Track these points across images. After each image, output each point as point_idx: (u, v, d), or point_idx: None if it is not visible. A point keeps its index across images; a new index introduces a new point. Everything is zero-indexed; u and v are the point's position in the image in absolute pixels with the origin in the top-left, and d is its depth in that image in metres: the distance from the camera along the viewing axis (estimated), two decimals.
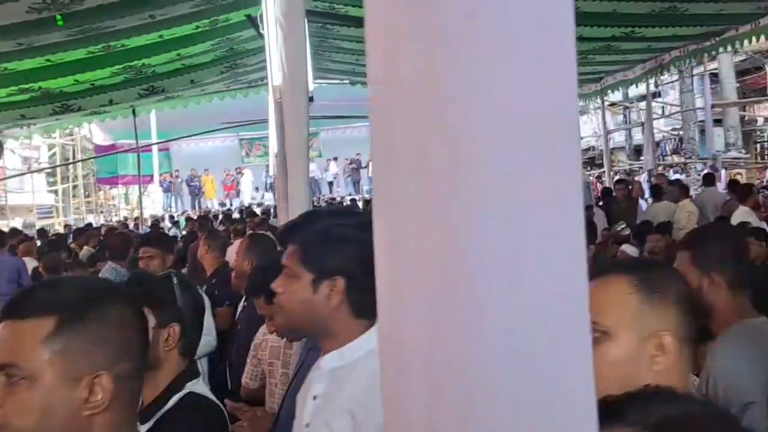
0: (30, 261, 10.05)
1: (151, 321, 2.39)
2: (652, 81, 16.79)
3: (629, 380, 1.27)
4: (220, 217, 19.57)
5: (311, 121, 4.39)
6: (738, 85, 22.85)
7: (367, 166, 28.24)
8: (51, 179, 31.95)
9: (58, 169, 30.68)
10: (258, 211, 18.97)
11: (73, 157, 30.17)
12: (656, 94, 23.89)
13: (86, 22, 7.94)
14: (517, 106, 0.68)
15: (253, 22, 7.89)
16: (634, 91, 21.32)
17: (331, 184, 30.42)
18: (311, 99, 4.26)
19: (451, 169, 0.68)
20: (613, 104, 25.36)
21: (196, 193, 30.30)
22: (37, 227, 21.60)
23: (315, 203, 19.79)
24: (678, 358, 1.64)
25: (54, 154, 31.39)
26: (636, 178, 18.24)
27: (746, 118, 24.80)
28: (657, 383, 1.00)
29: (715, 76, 21.18)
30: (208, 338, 4.42)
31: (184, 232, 15.95)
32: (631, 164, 25.38)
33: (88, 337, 1.38)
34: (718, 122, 20.03)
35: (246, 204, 27.16)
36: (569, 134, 0.71)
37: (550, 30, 0.70)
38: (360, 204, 20.21)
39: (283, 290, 1.88)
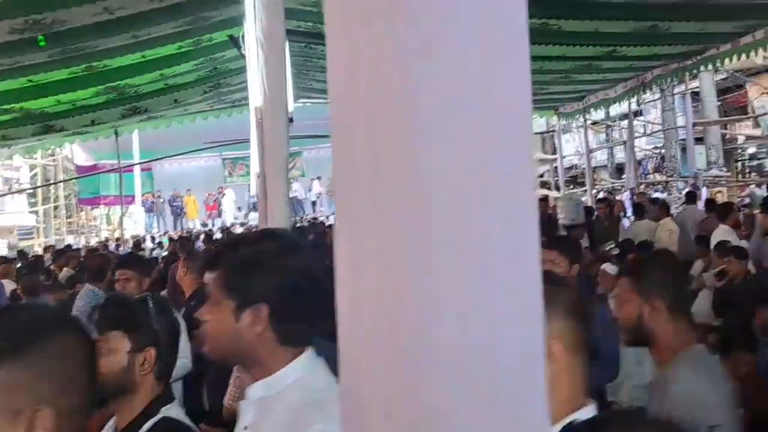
0: (8, 283, 9.94)
1: (127, 345, 2.37)
2: (633, 99, 16.89)
3: None
4: (202, 237, 19.50)
5: (294, 141, 4.38)
6: (719, 103, 23.04)
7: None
8: (32, 200, 31.75)
9: (40, 190, 30.51)
10: (241, 230, 18.88)
11: (55, 178, 30.02)
12: (638, 113, 24.04)
13: (68, 42, 7.93)
14: (476, 128, 0.70)
15: (235, 42, 7.89)
16: (616, 109, 21.45)
17: (314, 203, 30.35)
18: (291, 120, 4.25)
19: (411, 190, 0.69)
20: (595, 123, 25.48)
21: (179, 213, 30.20)
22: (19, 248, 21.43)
23: (298, 223, 19.82)
24: (567, 365, 1.69)
25: (35, 174, 31.21)
26: (618, 197, 18.31)
27: (727, 136, 24.98)
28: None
29: (696, 95, 21.36)
30: (184, 360, 4.38)
31: (165, 253, 15.86)
32: (613, 182, 25.49)
33: (29, 369, 1.34)
34: (699, 140, 20.17)
35: (228, 224, 27.08)
36: (524, 157, 0.73)
37: (506, 55, 0.71)
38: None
39: (207, 318, 1.82)
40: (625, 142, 20.09)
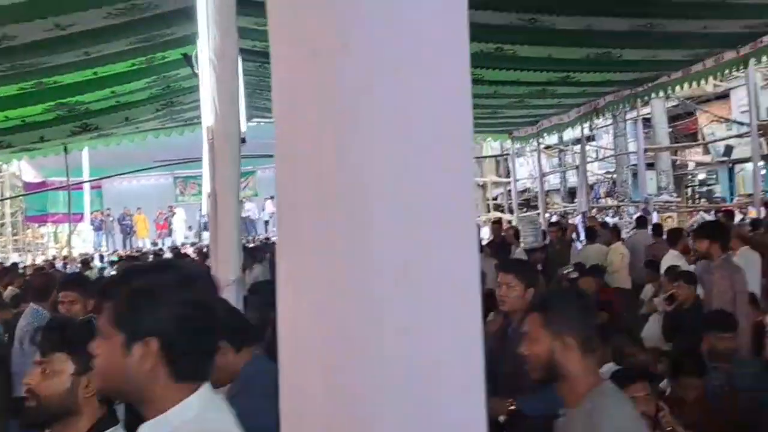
0: None
1: (71, 367, 2.32)
2: (586, 125, 17.08)
3: None
4: (151, 257, 19.22)
5: (248, 160, 4.33)
6: (670, 130, 23.41)
7: None
8: None
9: None
10: (191, 250, 18.68)
11: (1, 195, 29.44)
12: (590, 138, 24.34)
13: (18, 58, 7.78)
14: (417, 154, 0.72)
15: (189, 60, 7.80)
16: (569, 134, 21.70)
17: (267, 223, 30.14)
18: (243, 140, 4.19)
19: (353, 211, 0.71)
20: (548, 147, 25.77)
21: (128, 232, 29.80)
22: None
23: (250, 243, 19.66)
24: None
25: None
26: (570, 221, 18.46)
27: (678, 162, 25.39)
28: None
29: (647, 121, 21.68)
30: None
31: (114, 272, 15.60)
32: (565, 206, 25.72)
33: None
34: (650, 166, 20.46)
35: (179, 243, 26.77)
36: (464, 181, 0.75)
37: (448, 86, 0.73)
38: None
39: (97, 353, 1.73)
40: (577, 167, 20.33)
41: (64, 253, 24.59)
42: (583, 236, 14.63)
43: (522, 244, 12.99)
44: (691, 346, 5.51)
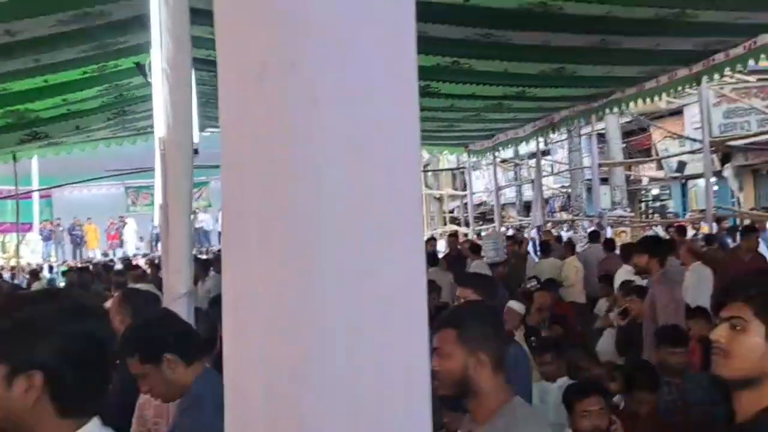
0: None
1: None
2: (542, 139, 17.25)
3: None
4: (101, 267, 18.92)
5: (201, 171, 4.28)
6: (624, 145, 23.71)
7: None
8: None
9: None
10: (143, 261, 18.44)
11: None
12: (546, 152, 24.57)
13: None
14: (363, 171, 0.73)
15: (141, 69, 7.70)
16: (524, 148, 21.87)
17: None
18: (196, 151, 4.12)
19: (300, 223, 0.72)
20: (504, 161, 25.95)
21: (78, 242, 29.34)
22: None
23: (204, 254, 19.47)
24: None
25: None
26: (525, 234, 18.59)
27: (631, 177, 25.72)
28: None
29: (602, 137, 21.92)
30: None
31: (62, 283, 15.34)
32: (521, 220, 25.92)
33: None
34: (604, 181, 20.70)
35: (130, 254, 26.43)
36: (412, 197, 0.76)
37: (395, 103, 0.75)
38: None
39: None
40: (533, 181, 20.48)
41: (12, 263, 24.14)
42: (537, 250, 14.73)
43: (485, 258, 13.04)
44: (644, 360, 5.55)
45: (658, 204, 28.75)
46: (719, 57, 9.49)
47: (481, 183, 29.69)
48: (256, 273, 0.74)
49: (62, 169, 20.82)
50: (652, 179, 26.77)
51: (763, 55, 8.93)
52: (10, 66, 8.11)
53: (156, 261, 16.84)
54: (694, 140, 18.83)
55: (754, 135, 18.97)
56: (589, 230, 16.61)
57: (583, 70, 10.00)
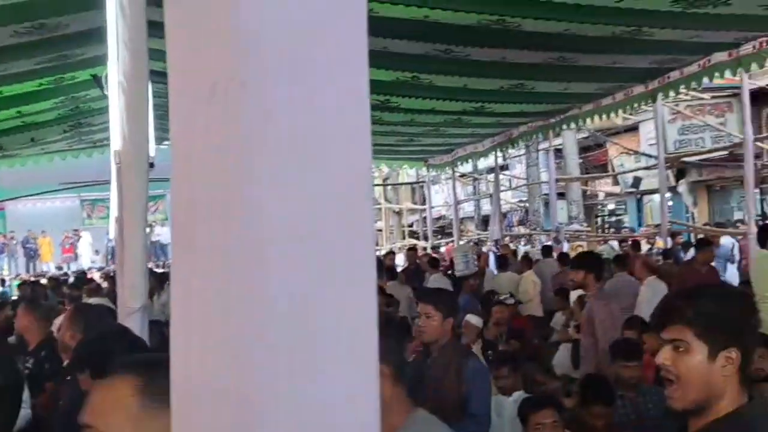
0: None
1: None
2: (500, 154, 17.36)
3: None
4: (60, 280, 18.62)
5: (158, 184, 4.24)
6: (581, 160, 23.96)
7: None
8: None
9: None
10: (98, 275, 18.20)
11: None
12: (504, 167, 24.71)
13: None
14: (313, 187, 0.72)
15: (98, 81, 7.62)
16: (483, 163, 22.01)
17: None
18: (152, 164, 4.09)
19: (248, 245, 0.70)
20: (463, 175, 26.07)
21: (32, 255, 28.87)
22: None
23: (160, 268, 19.27)
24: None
25: None
26: (484, 248, 18.68)
27: (588, 192, 25.99)
28: None
29: (559, 152, 22.16)
30: (26, 410, 4.16)
31: (14, 297, 15.07)
32: (479, 234, 26.04)
33: None
34: (561, 196, 20.89)
35: (85, 268, 26.07)
36: (364, 216, 0.75)
37: (347, 118, 0.74)
38: None
39: None
40: (491, 195, 20.60)
41: None
42: (495, 264, 14.81)
43: (456, 271, 13.09)
44: (599, 374, 5.59)
45: (613, 219, 29.08)
46: (674, 75, 9.64)
47: (440, 197, 29.81)
48: (204, 288, 0.73)
49: (16, 181, 20.46)
50: (608, 194, 27.07)
51: (716, 74, 9.09)
52: None
53: (111, 274, 16.64)
54: (650, 156, 19.09)
55: (708, 151, 19.29)
56: (546, 244, 16.76)
57: (541, 86, 10.09)
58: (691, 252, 12.20)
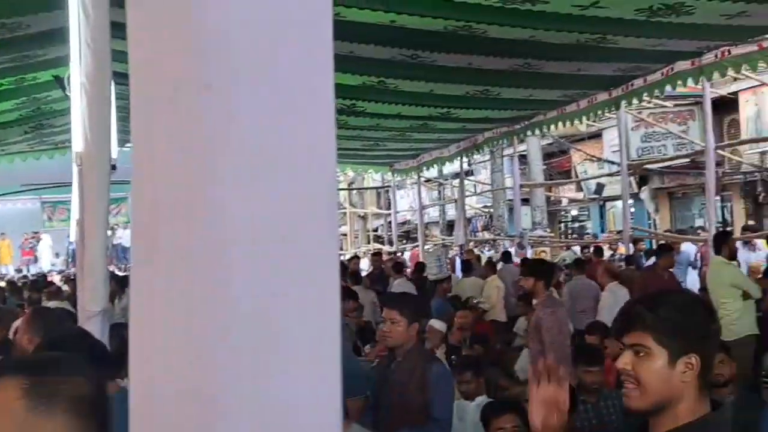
0: None
1: None
2: (465, 159, 17.44)
3: None
4: (19, 283, 18.33)
5: (120, 186, 4.20)
6: (545, 167, 24.09)
7: None
8: None
9: None
10: (58, 278, 17.97)
11: None
12: (469, 173, 24.82)
13: None
14: (278, 190, 0.71)
15: (60, 83, 7.52)
16: (448, 168, 22.07)
17: None
18: (114, 167, 4.04)
19: (211, 248, 0.70)
20: (428, 180, 26.12)
21: None
22: None
23: (123, 271, 19.07)
24: None
25: None
26: (451, 253, 18.70)
27: (552, 198, 26.15)
28: None
29: (523, 158, 22.23)
30: None
31: None
32: (444, 239, 26.08)
33: None
34: (525, 201, 20.97)
35: (45, 270, 25.72)
36: (328, 219, 0.74)
37: (311, 123, 0.74)
38: None
39: None
40: (456, 200, 20.65)
41: None
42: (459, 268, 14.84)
43: (428, 274, 13.12)
44: None
45: (576, 225, 29.32)
46: (638, 82, 9.75)
47: (405, 202, 29.82)
48: (166, 289, 0.72)
49: None
50: (572, 200, 27.28)
51: (679, 82, 9.21)
52: None
53: (72, 277, 16.42)
54: (613, 163, 19.25)
55: (671, 159, 19.50)
56: (510, 249, 16.84)
57: (507, 92, 10.15)
58: (653, 258, 12.32)
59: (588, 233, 25.44)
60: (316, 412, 0.72)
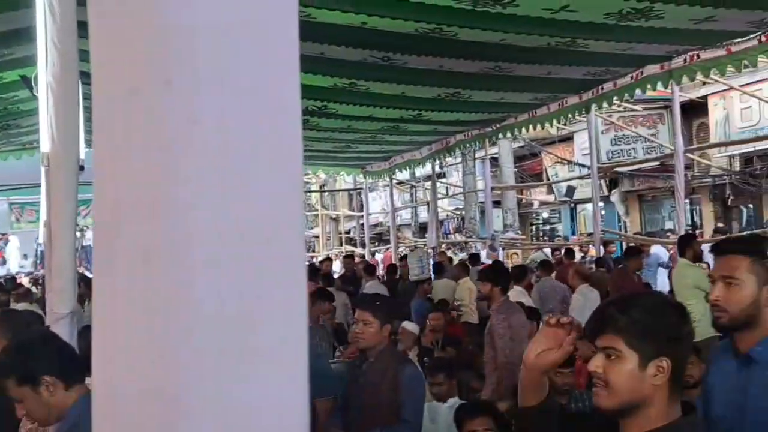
0: None
1: None
2: (437, 162, 17.47)
3: None
4: None
5: (89, 188, 4.14)
6: (516, 169, 24.21)
7: None
8: None
9: None
10: (26, 280, 17.80)
11: None
12: (441, 175, 24.86)
13: None
14: (243, 191, 0.71)
15: (27, 83, 7.44)
16: (420, 170, 22.11)
17: None
18: (82, 168, 4.00)
19: (174, 247, 0.69)
20: (400, 182, 26.16)
21: None
22: None
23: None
24: None
25: None
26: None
27: (523, 201, 26.29)
28: None
29: (495, 160, 22.33)
30: None
31: None
32: (416, 241, 26.12)
33: None
34: (497, 204, 21.06)
35: (14, 272, 25.44)
36: (294, 220, 0.74)
37: (276, 123, 0.73)
38: None
39: None
40: (428, 203, 20.70)
41: None
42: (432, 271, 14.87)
43: (410, 275, 13.12)
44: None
45: (548, 227, 29.48)
46: (608, 86, 9.81)
47: (377, 204, 29.85)
48: (128, 289, 0.71)
49: None
50: (543, 203, 27.42)
51: (648, 86, 9.28)
52: None
53: (40, 280, 16.28)
54: (583, 166, 19.38)
55: (640, 162, 19.67)
56: (470, 253, 16.92)
57: (478, 95, 10.18)
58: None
59: (559, 235, 25.59)
60: (281, 414, 0.71)
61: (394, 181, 21.23)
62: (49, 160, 3.89)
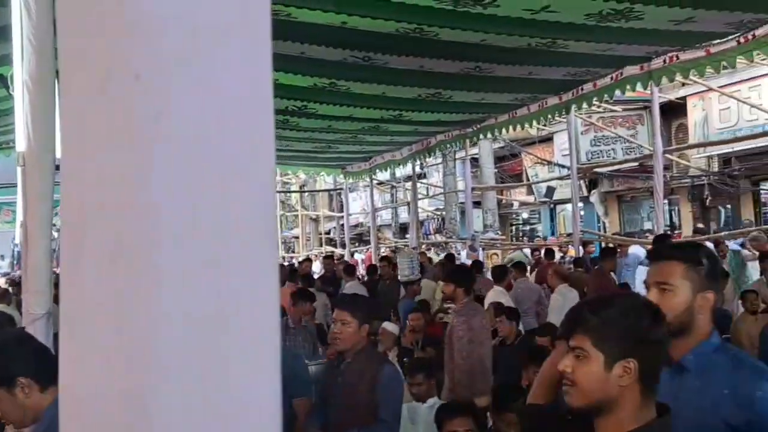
0: None
1: None
2: (418, 162, 17.48)
3: None
4: None
5: None
6: (496, 170, 24.28)
7: None
8: None
9: None
10: (3, 280, 17.65)
11: None
12: (421, 175, 24.90)
13: None
14: (213, 187, 0.69)
15: (3, 81, 7.37)
16: (401, 171, 22.13)
17: None
18: (58, 167, 3.96)
19: (142, 245, 0.68)
20: (380, 183, 26.16)
21: None
22: None
23: None
24: None
25: None
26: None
27: (503, 201, 26.37)
28: None
29: (475, 161, 22.37)
30: None
31: None
32: (396, 241, 26.15)
33: None
34: (477, 204, 21.10)
35: None
36: (266, 220, 0.73)
37: (249, 121, 0.72)
38: None
39: None
40: (408, 203, 20.71)
41: None
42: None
43: (400, 276, 13.11)
44: (513, 380, 5.65)
45: (527, 227, 29.58)
46: (587, 87, 9.84)
47: (357, 204, 29.84)
48: (95, 290, 0.69)
49: None
50: (523, 203, 27.52)
51: (628, 86, 9.33)
52: None
53: (17, 280, 16.11)
54: (563, 166, 19.47)
55: (620, 162, 19.77)
56: (462, 252, 16.93)
57: (458, 95, 10.19)
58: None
59: (539, 236, 25.68)
60: (253, 414, 0.70)
61: (375, 182, 21.22)
62: (25, 160, 3.85)
